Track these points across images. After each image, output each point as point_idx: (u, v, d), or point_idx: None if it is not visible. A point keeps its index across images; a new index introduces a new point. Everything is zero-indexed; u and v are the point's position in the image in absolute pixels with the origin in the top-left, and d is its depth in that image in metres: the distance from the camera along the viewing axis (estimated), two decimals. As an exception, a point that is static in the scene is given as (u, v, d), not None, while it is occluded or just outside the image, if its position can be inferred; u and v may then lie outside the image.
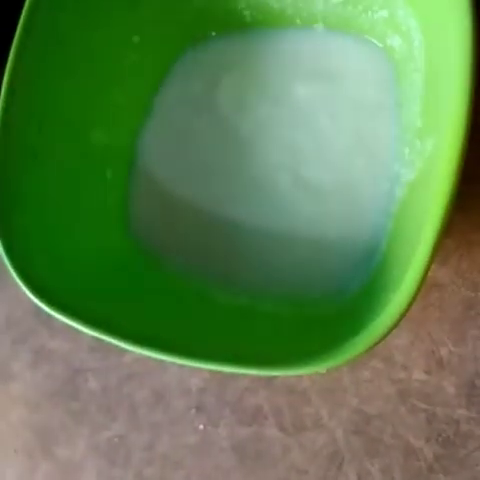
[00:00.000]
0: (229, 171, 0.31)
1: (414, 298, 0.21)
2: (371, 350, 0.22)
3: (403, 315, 0.22)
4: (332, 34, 0.31)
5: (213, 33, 0.33)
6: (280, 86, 0.32)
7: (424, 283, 0.22)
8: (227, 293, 0.30)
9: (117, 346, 0.25)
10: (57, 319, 0.25)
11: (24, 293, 0.26)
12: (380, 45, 0.30)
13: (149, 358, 0.24)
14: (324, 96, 0.31)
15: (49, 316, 0.26)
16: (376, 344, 0.21)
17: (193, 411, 0.32)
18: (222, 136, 0.32)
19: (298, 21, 0.31)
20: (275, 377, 0.31)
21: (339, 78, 0.31)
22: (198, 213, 0.31)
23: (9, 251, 0.26)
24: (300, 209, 0.30)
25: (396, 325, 0.22)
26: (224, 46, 0.33)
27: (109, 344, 0.25)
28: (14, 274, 0.26)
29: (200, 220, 0.31)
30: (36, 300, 0.26)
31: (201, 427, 0.32)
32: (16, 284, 0.26)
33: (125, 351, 0.25)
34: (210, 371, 0.31)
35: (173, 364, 0.30)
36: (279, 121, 0.31)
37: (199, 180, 0.32)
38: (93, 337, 0.25)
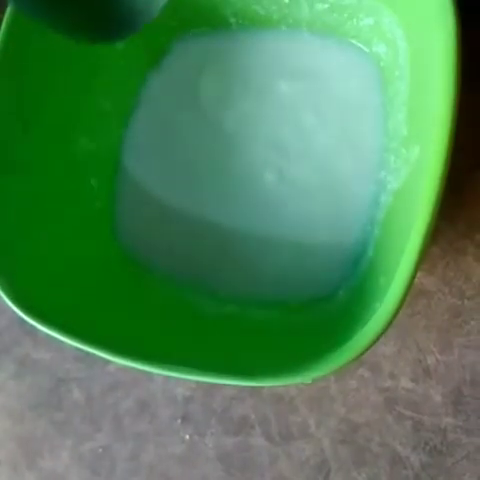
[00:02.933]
0: (214, 171, 0.31)
1: (400, 307, 0.21)
2: (359, 359, 0.22)
3: (389, 324, 0.22)
4: (317, 36, 0.31)
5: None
6: (263, 83, 0.32)
7: (410, 291, 0.22)
8: (214, 301, 0.29)
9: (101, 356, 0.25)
10: (41, 330, 0.25)
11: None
12: (366, 50, 0.30)
13: (134, 368, 0.24)
14: (307, 94, 0.31)
15: (33, 326, 0.25)
16: (362, 354, 0.21)
17: (179, 421, 0.32)
18: (206, 133, 0.32)
19: (283, 27, 0.31)
20: (262, 386, 0.31)
21: (323, 77, 0.31)
22: (184, 218, 0.31)
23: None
24: (286, 210, 0.30)
25: (382, 334, 0.22)
26: (208, 42, 0.33)
27: (93, 354, 0.25)
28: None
29: (186, 225, 0.31)
30: (19, 311, 0.25)
31: (187, 437, 0.32)
32: (-1, 294, 0.26)
33: (109, 361, 0.25)
34: (196, 381, 0.31)
35: (159, 374, 0.30)
36: (263, 117, 0.31)
37: (184, 182, 0.32)
38: (77, 348, 0.25)
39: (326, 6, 0.29)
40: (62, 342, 0.25)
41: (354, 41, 0.30)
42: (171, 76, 0.33)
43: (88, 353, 0.25)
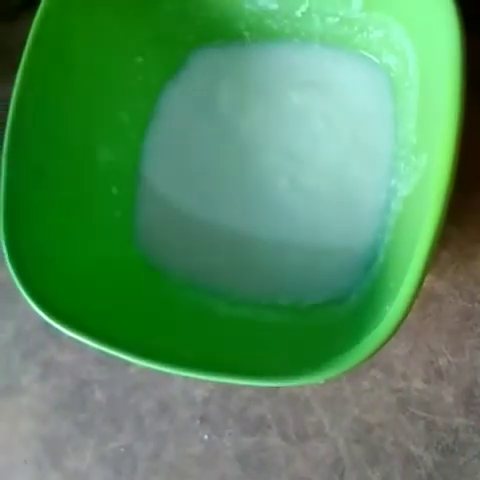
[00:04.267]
0: (229, 178, 0.32)
1: (409, 310, 0.22)
2: (371, 360, 0.22)
3: (398, 327, 0.22)
4: (329, 48, 0.32)
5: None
6: (276, 93, 0.33)
7: (421, 295, 0.22)
8: (229, 304, 0.30)
9: (122, 359, 0.25)
10: (65, 333, 0.26)
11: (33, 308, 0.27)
12: (376, 61, 0.31)
13: (154, 370, 0.25)
14: (319, 104, 0.32)
15: (57, 330, 0.26)
16: (371, 356, 0.22)
17: (198, 421, 0.33)
18: (222, 141, 0.33)
19: (296, 40, 0.32)
20: (278, 387, 0.32)
21: (335, 88, 0.32)
22: (200, 223, 0.32)
23: (18, 268, 0.27)
24: (300, 216, 0.31)
25: (391, 337, 0.22)
26: (223, 54, 0.34)
27: (114, 356, 0.25)
28: (22, 291, 0.26)
29: (202, 230, 0.32)
30: (44, 316, 0.26)
31: (206, 437, 0.32)
32: (25, 299, 0.27)
33: (130, 363, 0.26)
34: (214, 382, 0.32)
35: (178, 375, 0.30)
36: (276, 126, 0.32)
37: (201, 189, 0.33)
38: (99, 350, 0.26)
39: (337, 20, 0.30)
40: (84, 345, 0.26)
41: (365, 53, 0.31)
42: (188, 88, 0.34)
43: (109, 355, 0.25)
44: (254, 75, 0.33)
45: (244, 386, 0.32)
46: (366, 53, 0.31)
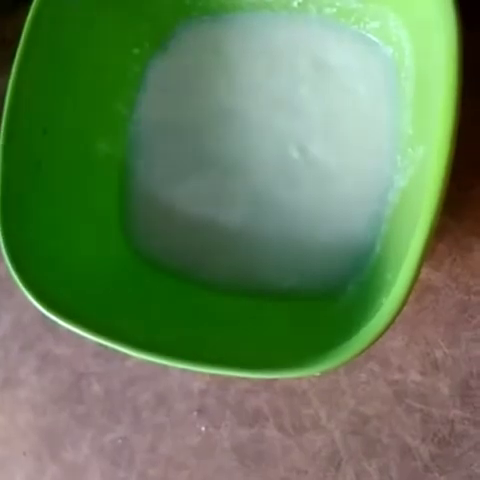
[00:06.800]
0: (223, 157, 0.32)
1: (405, 302, 0.22)
2: (367, 352, 0.22)
3: (394, 318, 0.22)
4: (332, 28, 0.31)
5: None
6: (272, 67, 0.32)
7: (418, 287, 0.22)
8: (226, 296, 0.30)
9: (120, 351, 0.26)
10: (62, 326, 0.26)
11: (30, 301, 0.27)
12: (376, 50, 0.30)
13: (151, 362, 0.25)
14: (317, 85, 0.31)
15: (55, 323, 0.26)
16: (368, 347, 0.22)
17: (195, 413, 0.33)
18: (215, 124, 0.32)
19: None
20: (275, 379, 0.32)
21: (333, 69, 0.31)
22: (195, 215, 0.32)
23: (15, 260, 0.27)
24: (297, 206, 0.31)
25: (387, 328, 0.22)
26: (214, 27, 0.33)
27: (112, 349, 0.26)
28: (19, 283, 0.26)
29: (197, 222, 0.32)
30: (41, 308, 0.26)
31: (203, 429, 0.33)
32: (22, 291, 0.27)
33: (128, 355, 0.26)
34: (211, 374, 0.32)
35: (175, 368, 0.31)
36: (269, 104, 0.31)
37: (196, 173, 0.32)
38: (97, 343, 0.26)
39: (334, 10, 0.30)
40: (82, 338, 0.26)
41: (369, 35, 0.30)
42: (178, 58, 0.33)
43: (107, 348, 0.26)
44: (247, 49, 0.32)
45: (241, 378, 0.32)
46: (371, 35, 0.30)
